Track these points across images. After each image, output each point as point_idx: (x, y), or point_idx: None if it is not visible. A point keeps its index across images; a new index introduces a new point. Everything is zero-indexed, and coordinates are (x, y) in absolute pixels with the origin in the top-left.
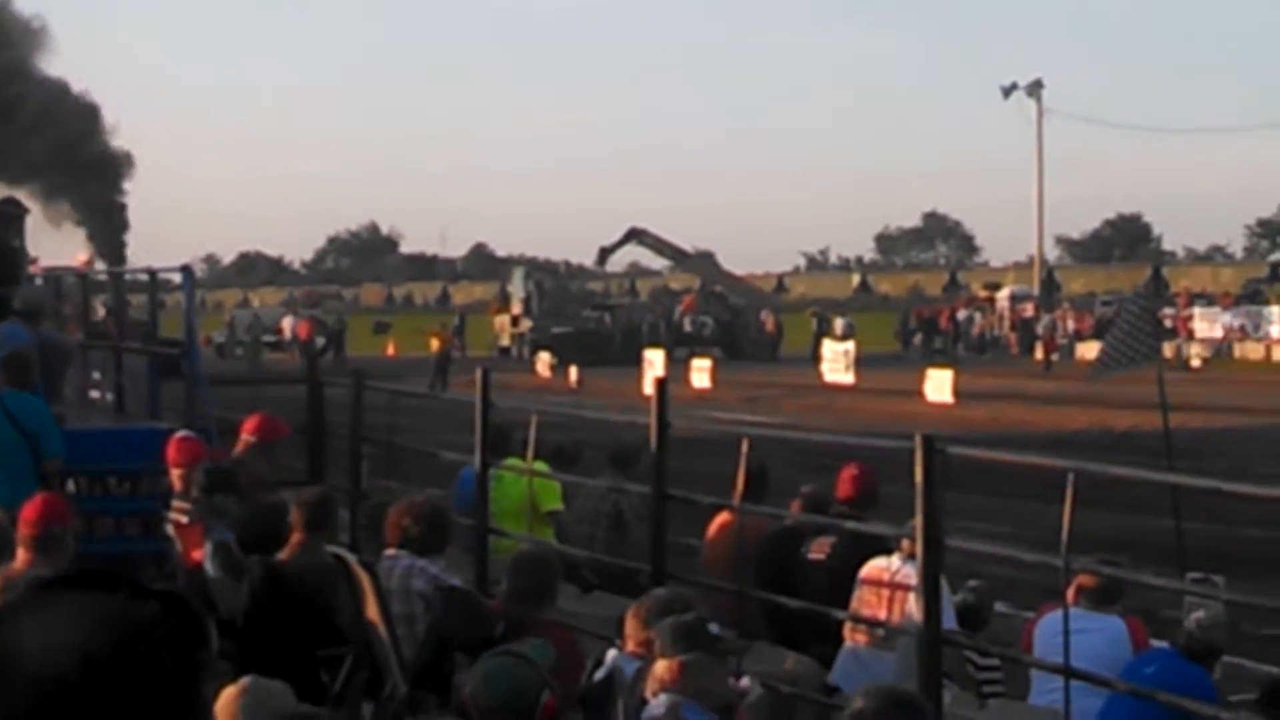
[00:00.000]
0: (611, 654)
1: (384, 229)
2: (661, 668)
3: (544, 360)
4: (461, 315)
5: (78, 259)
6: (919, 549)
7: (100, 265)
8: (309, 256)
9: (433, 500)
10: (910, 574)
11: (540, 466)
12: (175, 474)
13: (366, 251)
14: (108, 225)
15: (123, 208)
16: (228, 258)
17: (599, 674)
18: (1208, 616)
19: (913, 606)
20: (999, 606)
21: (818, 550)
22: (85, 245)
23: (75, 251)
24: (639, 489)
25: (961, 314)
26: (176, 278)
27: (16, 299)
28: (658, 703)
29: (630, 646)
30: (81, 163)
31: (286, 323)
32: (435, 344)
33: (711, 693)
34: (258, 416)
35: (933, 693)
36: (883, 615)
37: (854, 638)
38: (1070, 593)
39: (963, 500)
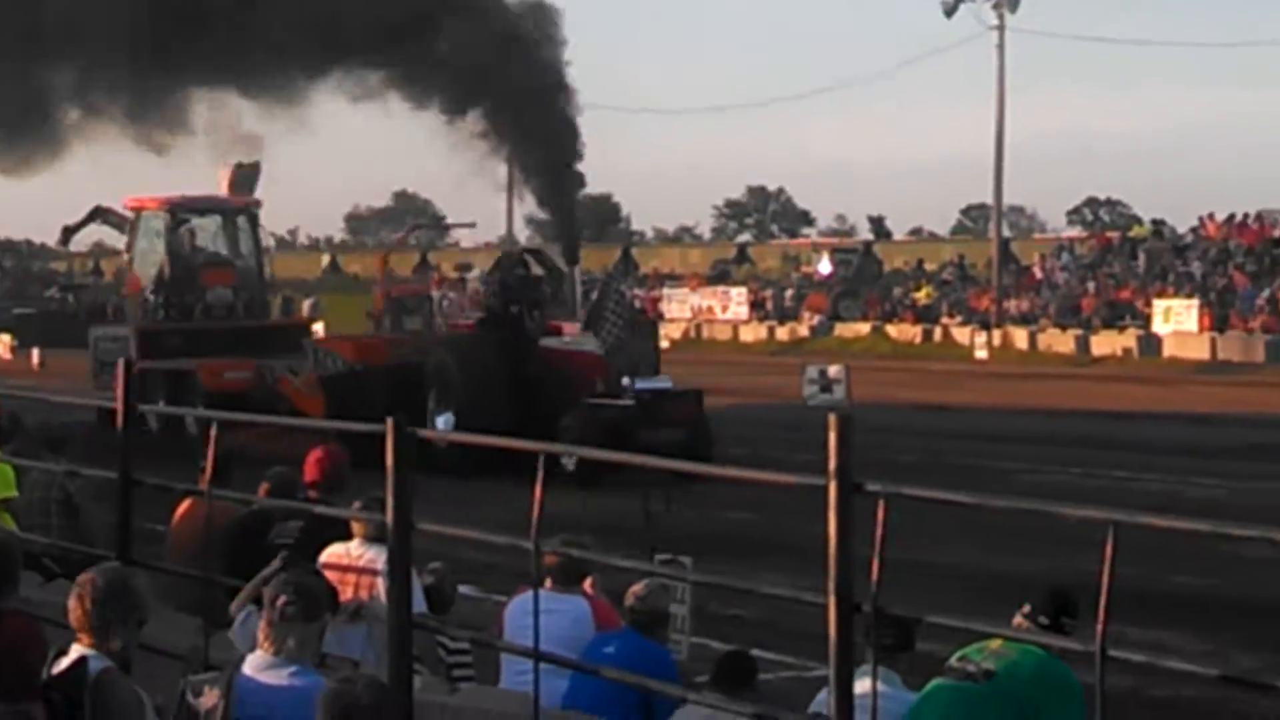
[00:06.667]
0: (77, 645)
1: None
2: None
3: (4, 342)
4: None
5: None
6: (390, 533)
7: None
8: None
9: None
10: (374, 557)
11: None
12: None
13: None
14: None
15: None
16: None
17: (62, 664)
18: (645, 587)
19: (381, 590)
20: (470, 590)
21: (285, 534)
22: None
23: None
24: (93, 473)
25: (435, 294)
26: None
27: None
28: None
29: (80, 634)
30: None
31: None
32: None
33: None
34: None
35: (403, 677)
36: (348, 597)
37: None
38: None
39: (437, 484)
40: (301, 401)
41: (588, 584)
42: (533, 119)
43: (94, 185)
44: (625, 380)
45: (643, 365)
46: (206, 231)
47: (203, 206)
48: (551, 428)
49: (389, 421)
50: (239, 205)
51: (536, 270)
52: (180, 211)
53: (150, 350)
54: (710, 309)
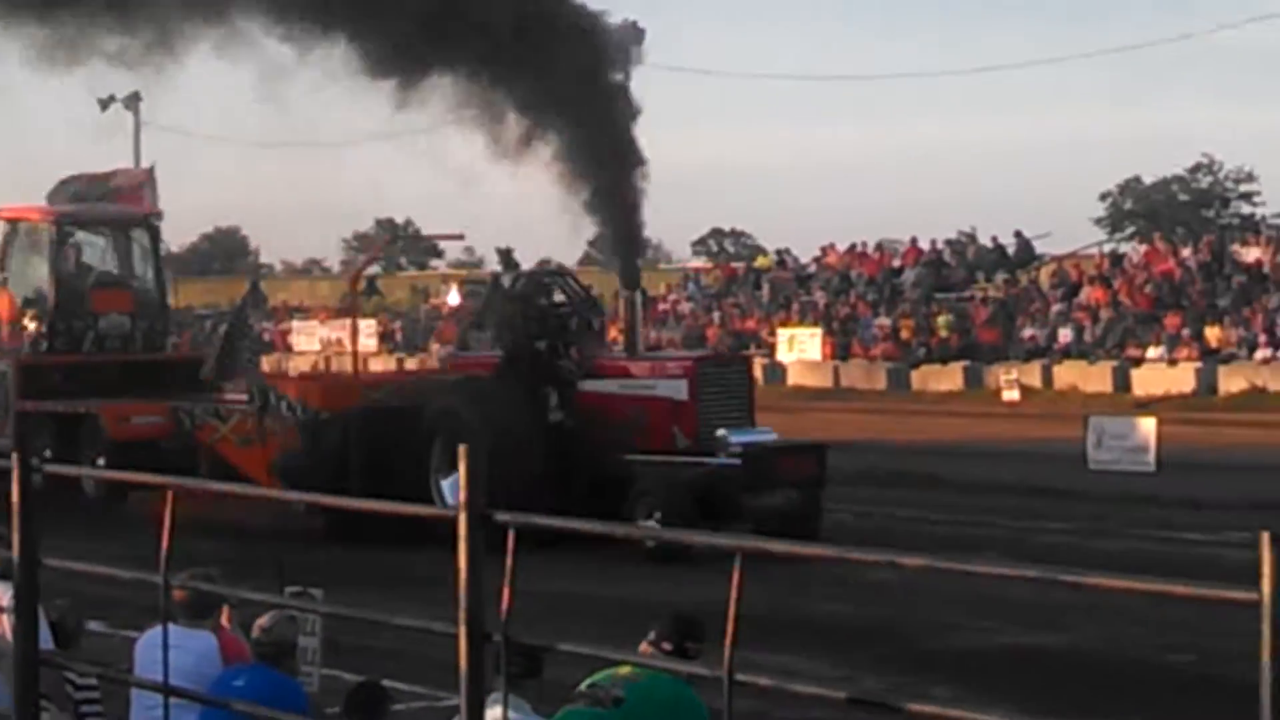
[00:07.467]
0: None
1: None
2: None
3: None
4: None
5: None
6: (16, 569)
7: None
8: None
9: None
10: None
11: None
12: None
13: None
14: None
15: None
16: None
17: None
18: (270, 619)
19: (5, 627)
20: (99, 625)
21: None
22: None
23: None
24: None
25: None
26: None
27: None
28: None
29: None
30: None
31: None
32: None
33: None
34: None
35: (29, 715)
36: None
37: None
38: None
39: (65, 518)
40: (229, 451)
41: (225, 618)
42: (581, 110)
43: None
44: (720, 432)
45: (736, 413)
46: (95, 247)
47: (93, 218)
48: (598, 490)
49: (14, 456)
50: (136, 217)
51: (560, 297)
52: (67, 223)
53: (32, 388)
54: (340, 341)
